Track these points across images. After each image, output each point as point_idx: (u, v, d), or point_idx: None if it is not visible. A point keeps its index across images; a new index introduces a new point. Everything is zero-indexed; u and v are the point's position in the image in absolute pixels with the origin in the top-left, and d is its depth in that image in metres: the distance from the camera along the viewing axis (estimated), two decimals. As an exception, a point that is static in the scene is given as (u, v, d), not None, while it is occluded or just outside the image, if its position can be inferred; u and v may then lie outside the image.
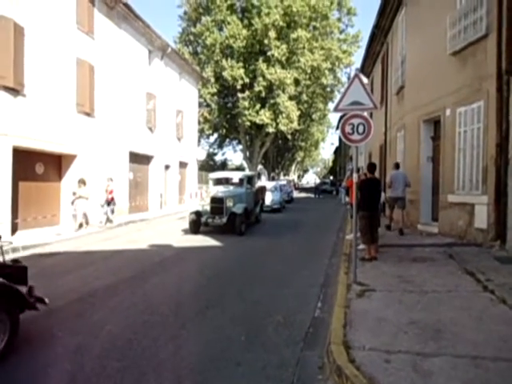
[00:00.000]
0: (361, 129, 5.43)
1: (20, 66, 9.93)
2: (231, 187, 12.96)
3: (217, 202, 11.22)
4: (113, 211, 12.97)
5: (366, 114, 5.48)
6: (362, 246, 7.37)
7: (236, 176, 13.76)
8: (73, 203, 11.70)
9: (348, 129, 5.49)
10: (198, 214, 11.36)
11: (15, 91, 9.86)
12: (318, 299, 5.23)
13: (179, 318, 4.55)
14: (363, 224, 6.96)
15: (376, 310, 4.35)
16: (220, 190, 12.27)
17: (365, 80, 23.57)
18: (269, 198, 18.45)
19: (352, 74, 5.84)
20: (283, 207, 20.43)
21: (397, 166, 10.50)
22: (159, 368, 3.36)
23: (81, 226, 11.74)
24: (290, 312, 4.70)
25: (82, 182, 11.96)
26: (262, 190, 15.56)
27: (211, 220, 11.20)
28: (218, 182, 13.64)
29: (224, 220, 10.99)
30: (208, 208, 11.33)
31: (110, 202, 12.80)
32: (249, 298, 5.29)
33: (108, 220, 12.85)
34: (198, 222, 11.26)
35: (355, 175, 5.66)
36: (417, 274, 5.92)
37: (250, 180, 13.59)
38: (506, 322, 3.87)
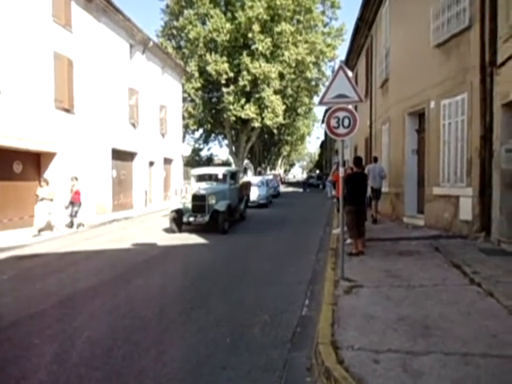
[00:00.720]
0: (346, 122, 5.33)
1: (-7, 61, 9.52)
2: (214, 183, 12.52)
3: (198, 200, 10.79)
4: (76, 214, 11.60)
5: (350, 107, 5.36)
6: (349, 241, 7.32)
7: (219, 172, 13.24)
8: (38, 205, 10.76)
9: (333, 122, 5.38)
10: (179, 212, 10.86)
11: (-12, 87, 9.46)
12: (306, 297, 5.14)
13: (162, 321, 4.39)
14: (350, 218, 6.90)
15: (364, 307, 4.28)
16: (202, 187, 11.77)
17: (349, 73, 23.62)
18: (255, 194, 18.35)
19: (336, 68, 5.71)
20: (270, 202, 20.34)
21: (375, 159, 11.41)
22: (140, 376, 3.20)
23: (42, 230, 10.66)
24: (277, 311, 4.59)
25: (44, 181, 11.00)
26: (247, 185, 15.21)
27: (193, 218, 10.74)
28: (201, 178, 13.21)
29: (206, 218, 10.60)
30: (190, 206, 10.86)
31: (74, 204, 11.52)
32: (234, 297, 5.17)
33: (72, 224, 11.56)
34: (179, 220, 10.81)
35: (341, 169, 5.56)
36: (404, 267, 5.88)
37: (233, 176, 13.23)
38: (494, 316, 3.83)
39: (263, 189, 19.51)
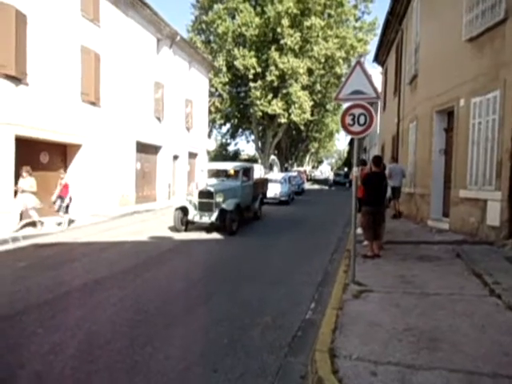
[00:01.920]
0: (362, 120, 5.08)
1: (22, 55, 9.82)
2: (226, 180, 11.75)
3: (205, 197, 9.96)
4: (66, 209, 10.41)
5: (366, 103, 5.12)
6: (366, 243, 7.08)
7: (231, 167, 12.25)
8: (17, 197, 9.68)
9: (348, 120, 5.15)
10: (184, 210, 10.11)
11: (17, 80, 9.77)
12: (313, 299, 4.99)
13: (164, 316, 4.37)
14: (366, 220, 6.66)
15: (370, 314, 4.08)
16: (210, 183, 11.03)
17: (376, 71, 22.88)
18: (277, 190, 18.15)
19: (362, 63, 5.45)
20: (292, 199, 20.02)
21: (393, 158, 12.32)
22: (131, 372, 3.18)
23: (24, 226, 9.81)
24: (280, 313, 4.47)
25: (26, 171, 9.62)
26: (263, 182, 14.32)
27: (198, 217, 9.96)
28: (214, 174, 12.37)
29: (213, 218, 9.76)
30: (196, 203, 10.08)
31: (63, 198, 10.30)
32: (239, 297, 5.08)
33: (61, 223, 10.39)
34: (184, 219, 10.10)
35: (355, 169, 5.34)
36: (420, 273, 5.60)
37: (246, 172, 12.17)
38: (510, 332, 3.54)
39: (285, 186, 19.11)
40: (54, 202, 10.37)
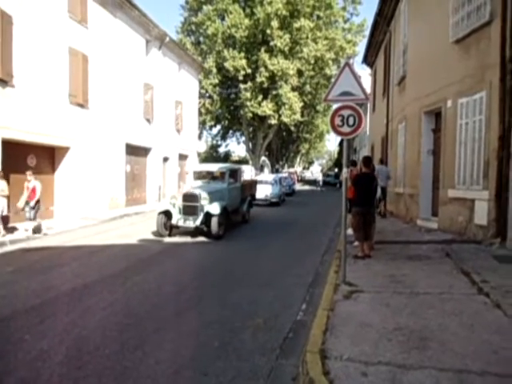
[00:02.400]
0: (351, 121, 5.12)
1: (8, 56, 9.69)
2: (212, 182, 11.24)
3: (190, 200, 9.48)
4: (35, 215, 9.59)
5: (355, 104, 5.15)
6: (356, 243, 7.11)
7: (217, 169, 11.85)
8: None
9: (338, 121, 5.18)
10: (167, 214, 9.59)
11: (3, 82, 9.63)
12: (304, 300, 4.98)
13: (154, 320, 4.32)
14: (356, 221, 6.70)
15: (361, 314, 4.09)
16: (195, 186, 10.58)
17: (365, 72, 23.05)
18: (267, 191, 18.13)
19: (351, 64, 5.49)
20: (282, 200, 20.04)
21: (381, 161, 12.88)
22: (121, 378, 3.14)
23: None
24: (272, 315, 4.46)
25: None
26: (251, 184, 13.77)
27: (182, 221, 9.47)
28: (201, 176, 11.83)
29: (198, 222, 9.28)
30: (181, 207, 9.60)
31: (29, 203, 9.45)
32: (230, 299, 5.05)
33: (35, 229, 9.63)
34: (168, 223, 9.61)
35: (345, 169, 5.36)
36: (410, 273, 5.64)
37: (233, 174, 11.65)
38: (498, 331, 3.58)
39: (275, 187, 19.12)
40: (23, 209, 9.52)
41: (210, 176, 11.76)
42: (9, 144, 10.06)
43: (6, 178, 9.60)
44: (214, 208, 9.27)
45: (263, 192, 17.80)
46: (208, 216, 9.26)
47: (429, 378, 2.82)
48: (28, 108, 10.51)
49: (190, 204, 9.47)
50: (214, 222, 9.13)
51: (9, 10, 9.73)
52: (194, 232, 9.81)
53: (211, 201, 9.51)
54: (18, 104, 10.18)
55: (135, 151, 16.68)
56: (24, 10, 10.29)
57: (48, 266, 6.73)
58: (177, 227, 9.64)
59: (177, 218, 9.52)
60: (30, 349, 3.63)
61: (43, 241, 9.12)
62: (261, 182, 19.84)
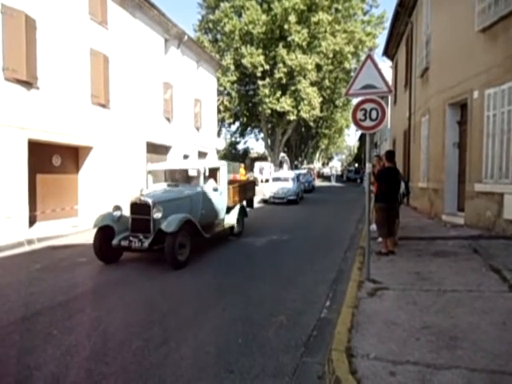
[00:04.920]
0: (374, 114, 5.00)
1: (32, 59, 9.93)
2: (181, 185, 8.26)
3: (138, 212, 6.73)
4: None
5: (377, 98, 5.03)
6: (380, 240, 6.99)
7: (189, 167, 9.07)
8: None
9: (360, 115, 5.07)
10: (108, 230, 6.74)
11: (28, 84, 9.88)
12: (327, 298, 4.92)
13: (177, 318, 4.34)
14: (380, 216, 6.58)
15: (387, 312, 4.01)
16: (150, 191, 7.70)
17: (385, 65, 22.57)
18: (284, 189, 17.64)
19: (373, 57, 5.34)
20: (301, 198, 19.31)
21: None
22: (146, 374, 3.16)
23: None
24: (295, 312, 4.42)
25: None
26: (245, 186, 10.51)
27: (127, 242, 6.54)
28: (170, 177, 8.93)
29: (146, 244, 6.42)
30: (129, 221, 6.86)
31: None
32: (253, 296, 5.03)
33: None
34: (107, 245, 6.66)
35: (368, 165, 5.25)
36: (436, 270, 5.49)
37: (213, 174, 8.72)
38: (532, 329, 3.44)
39: (293, 184, 18.36)
40: None
41: (183, 176, 9.13)
42: (35, 144, 10.34)
43: (34, 178, 9.88)
44: (169, 224, 6.33)
45: (279, 190, 17.44)
46: (160, 235, 6.38)
47: (460, 378, 2.73)
48: (52, 109, 10.77)
49: (139, 217, 6.73)
50: (169, 243, 6.25)
51: (32, 14, 9.96)
52: (155, 254, 7.02)
53: (168, 212, 6.66)
54: (43, 105, 10.44)
55: (156, 149, 16.87)
56: (47, 14, 10.52)
57: (74, 264, 6.89)
58: (123, 248, 6.66)
59: (119, 237, 6.64)
60: (59, 344, 3.71)
61: (69, 239, 9.34)
62: (277, 179, 19.51)
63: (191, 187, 8.15)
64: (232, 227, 9.11)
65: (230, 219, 9.09)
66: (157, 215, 6.63)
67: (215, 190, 8.48)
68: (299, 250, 7.94)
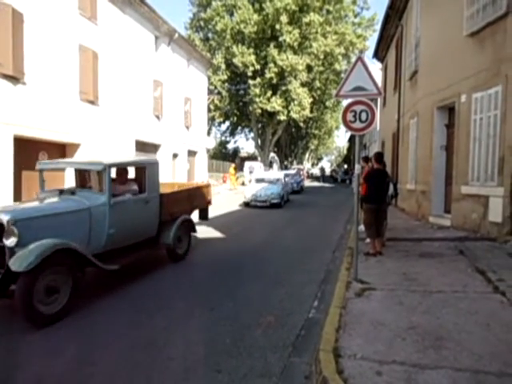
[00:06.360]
0: (363, 116, 5.04)
1: (19, 54, 9.76)
2: (81, 192, 5.67)
3: None
4: None
5: (367, 100, 5.07)
6: (368, 240, 7.05)
7: (91, 168, 5.77)
8: None
9: (350, 116, 5.11)
10: None
11: (15, 79, 9.71)
12: (315, 298, 4.94)
13: (165, 317, 4.32)
14: (368, 217, 6.63)
15: (374, 312, 4.05)
16: (17, 203, 6.12)
17: (375, 67, 22.77)
18: (266, 192, 15.84)
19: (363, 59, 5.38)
20: (286, 201, 17.43)
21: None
22: (132, 373, 3.14)
23: None
24: (283, 312, 4.43)
25: None
26: (192, 192, 7.85)
27: None
28: (80, 178, 6.60)
29: None
30: None
31: None
32: (240, 295, 5.03)
33: None
34: None
35: (357, 166, 5.29)
36: (423, 271, 5.56)
37: (139, 174, 6.47)
38: (516, 330, 3.51)
39: (277, 186, 16.58)
40: None
41: (85, 179, 6.53)
42: (21, 141, 10.16)
43: (19, 174, 9.71)
44: (20, 258, 3.99)
45: (262, 192, 15.80)
46: (9, 277, 4.11)
47: (445, 378, 2.77)
48: (39, 105, 10.60)
49: None
50: (20, 289, 3.95)
51: (20, 8, 9.79)
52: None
53: (33, 236, 4.27)
54: (30, 101, 10.27)
55: (145, 147, 16.75)
56: (34, 8, 10.35)
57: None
58: None
59: None
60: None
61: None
62: (261, 180, 17.76)
63: (95, 195, 5.45)
64: (172, 249, 6.64)
65: (165, 238, 6.56)
66: (10, 241, 4.16)
67: (138, 199, 5.96)
68: (288, 248, 7.90)
